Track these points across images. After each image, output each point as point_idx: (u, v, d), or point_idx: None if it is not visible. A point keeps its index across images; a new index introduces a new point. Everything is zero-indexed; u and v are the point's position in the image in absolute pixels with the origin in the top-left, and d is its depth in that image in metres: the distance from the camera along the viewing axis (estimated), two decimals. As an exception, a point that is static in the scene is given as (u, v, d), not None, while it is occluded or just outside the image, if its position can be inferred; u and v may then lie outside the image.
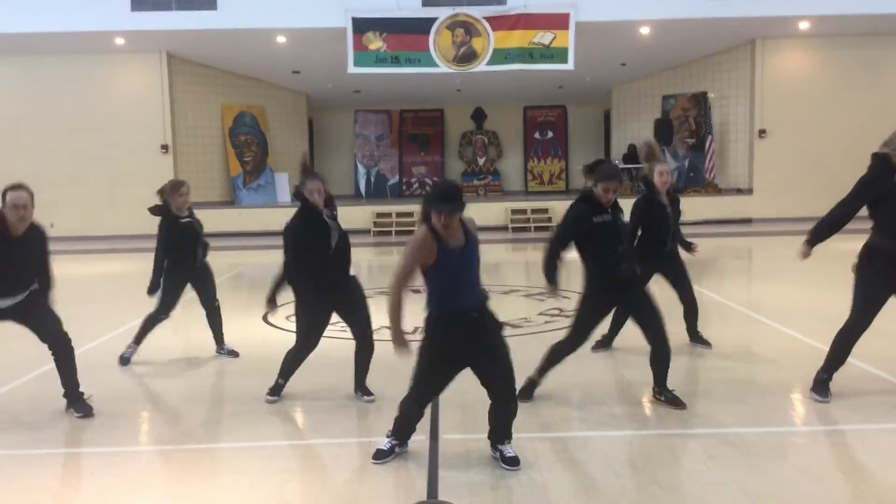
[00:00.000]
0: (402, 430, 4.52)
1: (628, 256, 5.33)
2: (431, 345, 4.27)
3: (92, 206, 18.97)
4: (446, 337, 4.23)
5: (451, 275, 4.18)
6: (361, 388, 5.65)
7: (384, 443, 4.49)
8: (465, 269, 4.22)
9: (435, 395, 4.55)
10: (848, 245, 5.51)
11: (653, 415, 5.33)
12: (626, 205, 5.75)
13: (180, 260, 6.73)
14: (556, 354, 5.48)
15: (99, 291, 11.96)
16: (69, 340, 5.38)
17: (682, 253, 6.87)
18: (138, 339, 6.94)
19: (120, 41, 18.00)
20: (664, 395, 5.41)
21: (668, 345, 5.34)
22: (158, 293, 6.77)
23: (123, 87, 19.16)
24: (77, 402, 5.39)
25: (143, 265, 14.79)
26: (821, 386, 5.35)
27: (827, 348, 5.43)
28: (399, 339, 4.21)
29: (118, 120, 18.97)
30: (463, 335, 4.21)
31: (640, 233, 6.43)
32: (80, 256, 15.92)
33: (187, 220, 6.72)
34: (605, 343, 6.88)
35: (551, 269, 5.37)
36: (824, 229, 5.31)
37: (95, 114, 18.97)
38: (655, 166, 6.57)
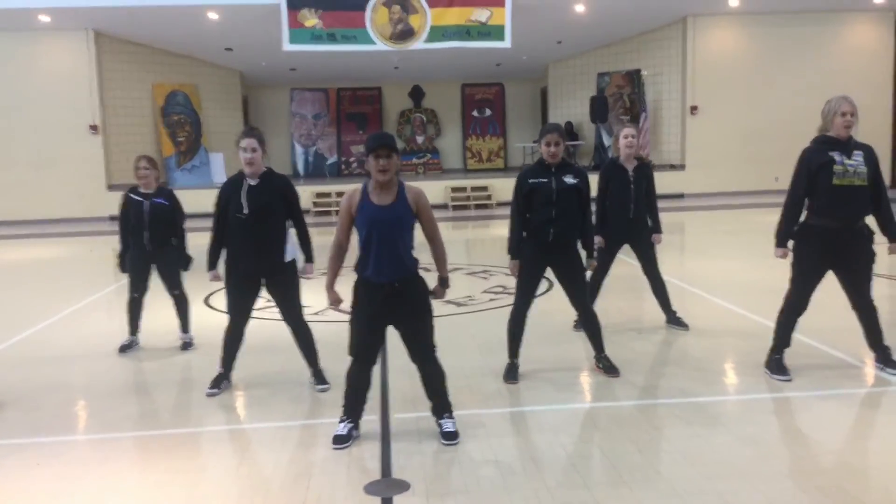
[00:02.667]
0: (352, 404, 4.54)
1: (560, 221, 5.28)
2: (355, 308, 4.42)
3: (17, 189, 18.31)
4: (368, 302, 4.36)
5: (369, 227, 4.26)
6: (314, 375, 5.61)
7: (340, 427, 4.50)
8: (388, 227, 4.27)
9: (370, 352, 4.50)
10: (773, 218, 5.66)
11: (597, 387, 5.46)
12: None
13: (132, 240, 6.54)
14: (512, 327, 5.56)
15: (27, 279, 11.60)
16: None
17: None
18: (130, 327, 6.77)
19: (45, 18, 17.32)
20: (601, 363, 5.60)
21: (591, 312, 5.59)
22: None
23: (49, 66, 18.45)
24: None
25: (73, 250, 14.50)
26: (774, 364, 5.43)
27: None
28: (328, 290, 4.49)
29: (44, 100, 18.28)
30: (384, 301, 4.33)
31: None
32: (5, 242, 15.41)
33: (138, 198, 6.51)
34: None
35: (512, 241, 5.45)
36: (783, 227, 5.33)
37: (20, 94, 18.24)
38: (620, 130, 6.66)
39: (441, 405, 4.55)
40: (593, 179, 6.56)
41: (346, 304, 4.52)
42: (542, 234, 5.32)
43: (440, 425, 4.51)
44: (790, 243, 5.33)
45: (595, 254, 5.72)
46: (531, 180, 5.32)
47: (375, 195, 4.31)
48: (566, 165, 5.38)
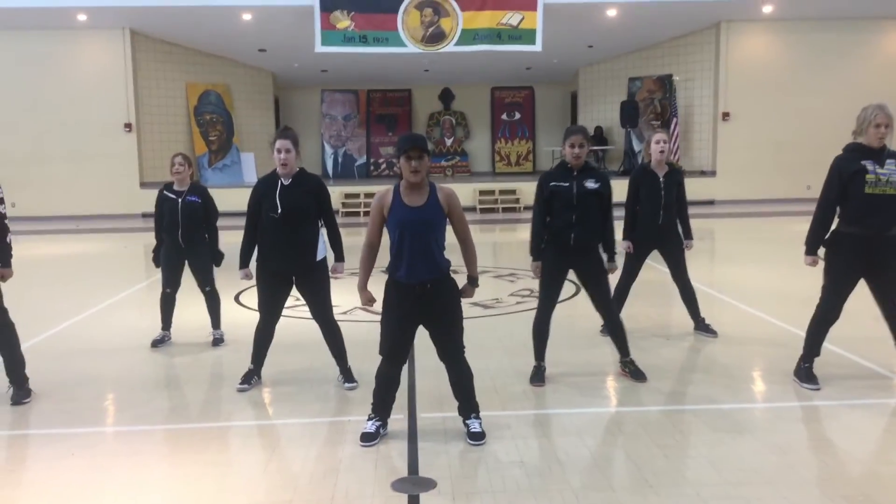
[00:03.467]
0: (380, 402, 4.58)
1: (580, 226, 5.28)
2: (386, 308, 4.48)
3: (53, 185, 18.64)
4: (399, 302, 4.41)
5: (402, 228, 4.30)
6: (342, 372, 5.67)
7: (369, 425, 4.55)
8: (417, 230, 4.31)
9: (400, 351, 4.53)
10: (804, 226, 5.62)
11: (623, 392, 5.47)
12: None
13: (166, 236, 6.67)
14: (536, 329, 5.58)
15: (63, 273, 11.81)
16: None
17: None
18: (163, 322, 6.90)
19: (82, 17, 17.64)
20: (627, 367, 5.60)
21: (615, 316, 5.58)
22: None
23: (86, 65, 18.78)
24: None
25: (106, 245, 14.72)
26: (804, 373, 5.39)
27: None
28: (360, 291, 4.54)
29: (80, 98, 18.61)
30: (415, 302, 4.37)
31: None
32: (42, 237, 15.69)
33: (172, 196, 6.63)
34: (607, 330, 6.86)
35: (534, 243, 5.46)
36: (814, 234, 5.32)
37: (57, 91, 18.58)
38: (652, 136, 6.64)
39: (468, 405, 4.59)
40: (621, 184, 6.60)
41: (378, 304, 4.56)
42: (563, 237, 5.33)
43: (467, 426, 4.54)
44: (820, 251, 5.30)
45: (615, 257, 5.65)
46: (552, 183, 5.33)
47: (407, 196, 4.36)
48: (589, 169, 5.38)
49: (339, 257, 5.62)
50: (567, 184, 5.28)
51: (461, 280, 4.59)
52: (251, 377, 5.59)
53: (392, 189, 4.43)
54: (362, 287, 4.55)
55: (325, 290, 5.50)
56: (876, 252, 5.11)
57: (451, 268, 4.52)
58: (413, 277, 4.34)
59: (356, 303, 8.10)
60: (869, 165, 5.03)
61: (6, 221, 5.31)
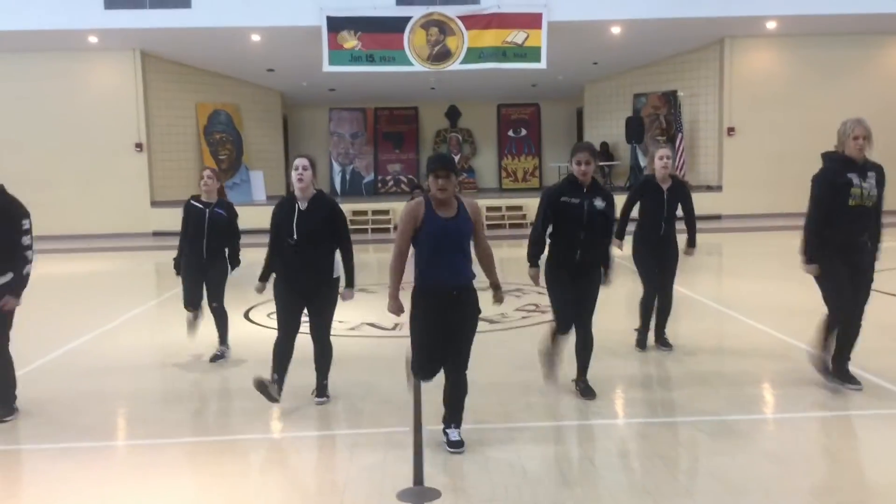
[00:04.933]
0: (453, 411, 4.71)
1: (588, 244, 5.37)
2: (415, 318, 4.60)
3: (65, 205, 18.84)
4: (426, 310, 4.54)
5: (436, 239, 4.49)
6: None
7: (453, 434, 4.66)
8: (450, 240, 4.51)
9: (433, 365, 4.68)
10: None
11: (626, 404, 5.55)
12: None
13: (190, 246, 6.83)
14: (549, 349, 5.62)
15: (75, 292, 11.97)
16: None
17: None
18: (220, 338, 7.02)
19: (93, 39, 17.92)
20: (578, 385, 5.62)
21: (591, 337, 5.60)
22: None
23: (97, 86, 19.06)
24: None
25: (118, 264, 14.90)
26: (844, 374, 5.54)
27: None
28: (392, 300, 4.66)
29: (92, 118, 18.85)
30: (442, 309, 4.51)
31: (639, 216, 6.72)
32: (54, 256, 15.87)
33: (199, 206, 6.80)
34: (642, 342, 6.93)
35: (533, 251, 5.52)
36: (811, 242, 5.48)
37: (69, 112, 18.83)
38: (656, 150, 6.76)
39: (454, 416, 4.71)
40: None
41: (381, 319, 4.69)
42: (570, 254, 5.39)
43: (446, 434, 4.67)
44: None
45: (611, 274, 5.67)
46: (563, 198, 5.37)
47: (438, 209, 4.55)
48: (597, 187, 5.45)
49: (350, 283, 5.70)
50: (577, 201, 5.34)
51: (483, 298, 4.70)
52: (272, 388, 5.67)
53: (423, 202, 4.59)
54: (394, 296, 4.69)
55: (332, 307, 5.63)
56: (849, 257, 5.36)
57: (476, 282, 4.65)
58: (441, 282, 4.51)
59: (364, 318, 8.21)
60: (854, 179, 5.24)
61: (27, 252, 5.37)
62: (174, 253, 7.04)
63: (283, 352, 5.61)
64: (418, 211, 4.54)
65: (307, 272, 5.42)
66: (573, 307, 5.50)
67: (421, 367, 4.70)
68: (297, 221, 5.39)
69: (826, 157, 5.47)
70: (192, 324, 7.01)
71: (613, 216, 5.55)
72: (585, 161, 5.30)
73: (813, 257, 5.44)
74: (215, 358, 6.93)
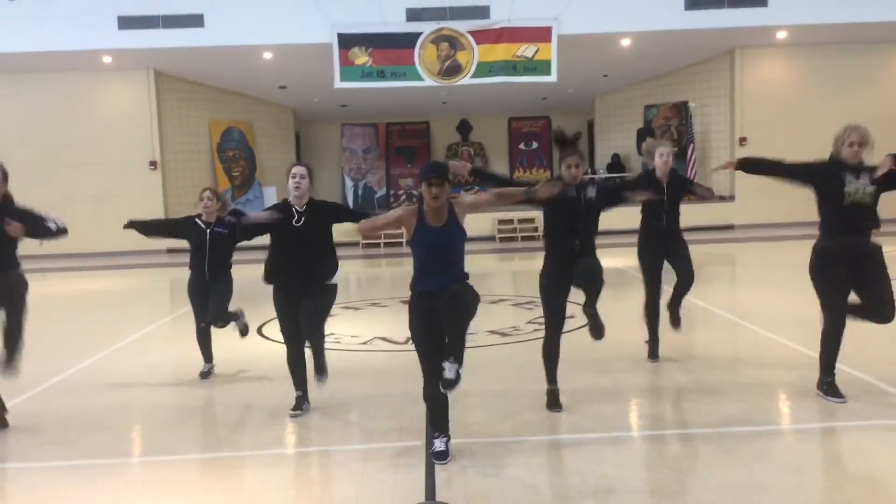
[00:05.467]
0: (438, 419, 4.73)
1: (584, 234, 5.44)
2: (412, 322, 4.67)
3: (81, 223, 18.90)
4: (421, 313, 4.58)
5: (426, 250, 4.56)
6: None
7: (438, 444, 4.69)
8: (442, 249, 4.56)
9: (436, 367, 4.59)
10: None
11: (639, 416, 5.53)
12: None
13: (192, 265, 6.89)
14: (546, 352, 5.63)
15: (89, 309, 12.06)
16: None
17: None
18: (204, 355, 7.04)
19: (107, 59, 18.14)
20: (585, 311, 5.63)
21: (599, 321, 5.61)
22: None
23: (111, 105, 19.27)
24: None
25: (132, 281, 15.00)
26: (827, 388, 5.54)
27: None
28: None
29: (106, 137, 19.06)
30: (432, 304, 4.50)
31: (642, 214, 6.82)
32: (70, 274, 16.01)
33: (202, 227, 6.86)
34: (654, 353, 6.92)
35: (495, 180, 5.77)
36: (755, 164, 5.94)
37: (84, 131, 19.05)
38: (656, 148, 6.83)
39: (439, 425, 4.73)
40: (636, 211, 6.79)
41: (393, 333, 4.71)
42: (568, 244, 5.43)
43: (432, 443, 4.70)
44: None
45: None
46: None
47: (429, 217, 4.60)
48: (584, 182, 5.51)
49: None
50: (573, 194, 5.42)
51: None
52: (302, 403, 5.75)
53: (416, 210, 4.64)
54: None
55: (326, 310, 5.70)
56: (856, 262, 5.35)
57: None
58: (433, 286, 4.52)
59: (375, 333, 8.24)
60: (847, 177, 5.32)
61: (49, 224, 5.57)
62: (188, 270, 7.04)
63: (295, 364, 5.69)
64: (410, 221, 4.61)
65: (302, 277, 5.51)
66: (565, 310, 5.58)
67: (426, 374, 4.68)
68: (294, 227, 5.47)
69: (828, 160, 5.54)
70: (205, 374, 7.01)
71: (606, 189, 5.71)
72: (575, 164, 5.41)
73: (742, 167, 5.85)
74: (204, 375, 6.95)
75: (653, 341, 6.91)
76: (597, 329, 5.64)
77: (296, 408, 5.71)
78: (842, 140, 5.41)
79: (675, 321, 6.93)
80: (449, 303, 4.41)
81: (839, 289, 5.41)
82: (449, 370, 4.46)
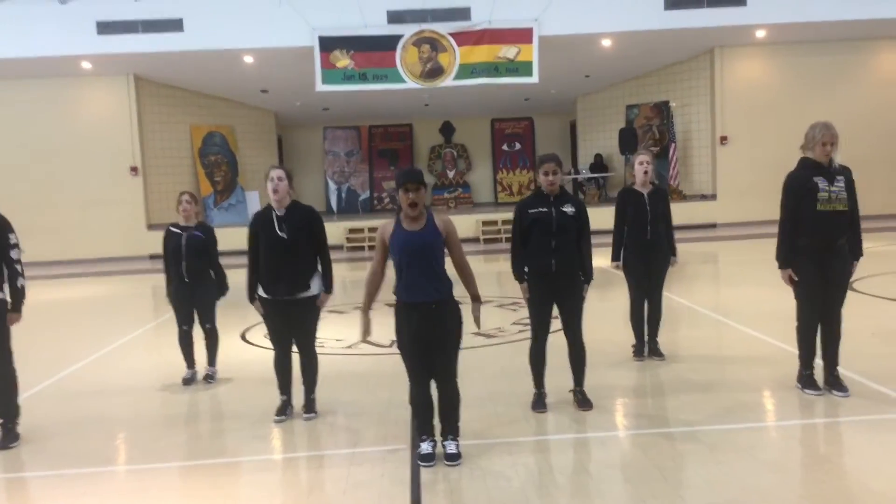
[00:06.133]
0: (424, 423, 4.78)
1: (560, 251, 5.37)
2: (399, 333, 4.72)
3: (62, 230, 18.87)
4: (407, 323, 4.63)
5: (402, 251, 4.56)
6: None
7: (424, 447, 4.72)
8: (416, 252, 4.56)
9: (422, 372, 4.71)
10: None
11: (624, 416, 5.55)
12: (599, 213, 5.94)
13: (172, 271, 6.84)
14: (533, 359, 5.65)
15: (72, 316, 11.96)
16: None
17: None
18: (187, 361, 7.01)
19: (87, 65, 18.01)
20: (576, 396, 5.64)
21: (581, 344, 5.59)
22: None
23: (91, 110, 19.13)
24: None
25: (115, 288, 14.90)
26: (806, 380, 5.69)
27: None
28: (362, 314, 4.80)
29: (87, 143, 18.92)
30: (421, 322, 4.58)
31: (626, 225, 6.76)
32: (51, 281, 15.87)
33: (178, 231, 6.82)
34: (640, 351, 6.96)
35: (516, 266, 5.56)
36: (785, 249, 5.65)
37: (63, 137, 18.90)
38: (636, 157, 6.83)
39: (450, 427, 4.75)
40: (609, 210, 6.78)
41: (379, 338, 4.72)
42: (545, 264, 5.40)
43: (444, 447, 4.71)
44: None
45: (590, 282, 5.63)
46: (531, 210, 5.43)
47: (406, 223, 4.61)
48: (564, 195, 5.51)
49: (328, 289, 5.71)
50: (546, 209, 5.39)
51: (467, 310, 4.73)
52: (286, 408, 5.74)
53: (394, 220, 4.68)
54: (365, 310, 4.81)
55: (314, 321, 5.70)
56: (826, 262, 5.47)
57: (458, 298, 4.68)
58: (416, 297, 4.57)
59: (359, 330, 8.22)
60: (821, 183, 5.39)
61: (17, 266, 5.43)
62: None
63: (282, 368, 5.70)
64: (387, 229, 4.66)
65: (287, 281, 5.49)
66: (550, 317, 5.57)
67: (411, 379, 4.74)
68: (278, 229, 5.46)
69: (799, 162, 5.63)
70: (188, 380, 6.96)
71: (586, 221, 5.53)
72: (552, 171, 5.38)
73: (785, 262, 5.62)
74: (209, 378, 6.95)
75: (639, 343, 6.95)
76: (585, 403, 5.59)
77: (280, 412, 5.69)
78: (815, 139, 5.47)
79: (659, 354, 6.92)
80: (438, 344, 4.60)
81: (811, 282, 5.53)
82: (451, 447, 4.68)
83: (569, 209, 5.41)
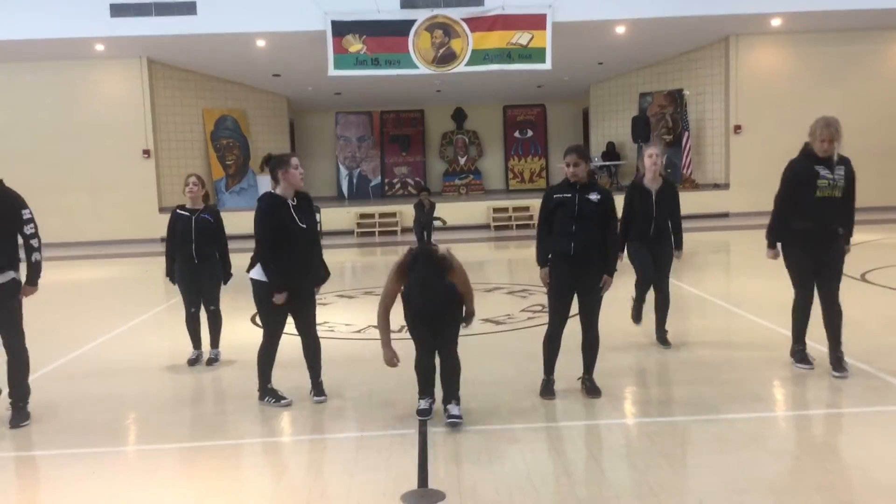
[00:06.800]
0: (424, 382, 5.24)
1: (580, 235, 5.38)
2: (407, 321, 5.17)
3: (74, 212, 18.96)
4: (411, 318, 5.13)
5: (415, 293, 4.97)
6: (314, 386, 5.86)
7: (422, 403, 5.21)
8: (431, 291, 4.92)
9: (428, 342, 5.16)
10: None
11: (631, 404, 5.55)
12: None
13: (179, 253, 6.87)
14: (547, 343, 5.65)
15: (84, 298, 12.04)
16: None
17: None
18: (193, 342, 7.09)
19: (100, 47, 18.03)
20: (584, 383, 5.66)
21: (595, 333, 5.61)
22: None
23: (104, 93, 19.17)
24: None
25: (126, 270, 14.97)
26: (798, 355, 6.00)
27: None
28: (384, 348, 5.10)
29: (99, 126, 18.97)
30: (428, 318, 5.05)
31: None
32: (64, 263, 15.96)
33: (186, 214, 6.85)
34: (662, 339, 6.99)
35: (540, 251, 5.61)
36: (773, 229, 5.97)
37: (76, 120, 18.96)
38: (646, 149, 6.85)
39: (451, 393, 5.10)
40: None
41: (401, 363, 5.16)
42: (564, 247, 5.44)
43: (447, 410, 5.06)
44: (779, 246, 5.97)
45: (613, 273, 5.62)
46: (556, 195, 5.52)
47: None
48: (592, 185, 5.53)
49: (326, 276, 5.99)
50: (570, 195, 5.45)
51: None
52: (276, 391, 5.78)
53: (407, 265, 4.99)
54: (385, 344, 5.11)
55: (314, 304, 5.79)
56: (821, 245, 5.73)
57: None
58: (424, 309, 5.03)
59: (369, 321, 8.24)
60: (822, 171, 5.61)
61: (33, 241, 5.45)
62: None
63: (268, 355, 5.75)
64: (403, 280, 5.00)
65: (305, 270, 5.58)
66: (569, 306, 5.59)
67: (418, 343, 5.20)
68: (296, 215, 5.52)
69: (802, 149, 5.80)
70: (193, 361, 7.03)
71: (612, 210, 5.52)
72: (574, 163, 5.43)
73: (773, 243, 5.94)
74: (211, 361, 7.01)
75: (638, 303, 7.15)
76: (593, 391, 5.61)
77: (282, 397, 5.70)
78: (814, 135, 5.65)
79: (666, 342, 6.94)
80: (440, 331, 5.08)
81: (805, 266, 5.82)
82: (453, 409, 5.05)
83: (594, 196, 5.44)
